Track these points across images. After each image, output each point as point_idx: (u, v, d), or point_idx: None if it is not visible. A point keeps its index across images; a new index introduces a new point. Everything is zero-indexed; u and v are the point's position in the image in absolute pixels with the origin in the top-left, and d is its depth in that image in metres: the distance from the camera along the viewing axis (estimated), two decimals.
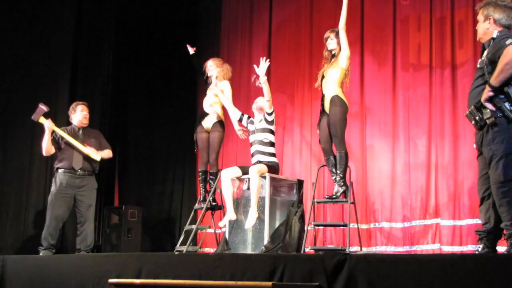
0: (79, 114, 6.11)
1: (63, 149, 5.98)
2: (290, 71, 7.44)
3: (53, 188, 5.94)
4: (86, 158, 5.98)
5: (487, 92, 3.53)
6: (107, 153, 6.22)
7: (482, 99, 3.55)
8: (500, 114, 3.51)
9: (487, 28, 3.76)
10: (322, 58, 5.42)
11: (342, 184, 5.06)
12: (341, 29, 5.07)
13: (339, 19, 5.10)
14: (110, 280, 4.35)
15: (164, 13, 8.52)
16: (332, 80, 5.14)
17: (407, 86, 6.40)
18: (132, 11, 8.43)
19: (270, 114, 5.45)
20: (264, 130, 5.48)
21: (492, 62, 3.59)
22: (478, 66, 3.76)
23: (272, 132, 5.51)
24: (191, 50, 6.14)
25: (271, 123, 5.49)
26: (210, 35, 8.57)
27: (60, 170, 5.94)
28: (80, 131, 6.11)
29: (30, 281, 5.25)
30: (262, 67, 5.37)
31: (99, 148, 6.16)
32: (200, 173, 5.92)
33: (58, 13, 7.43)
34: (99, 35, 7.95)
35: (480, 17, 3.82)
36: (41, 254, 5.79)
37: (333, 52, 5.27)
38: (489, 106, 3.53)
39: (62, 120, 6.69)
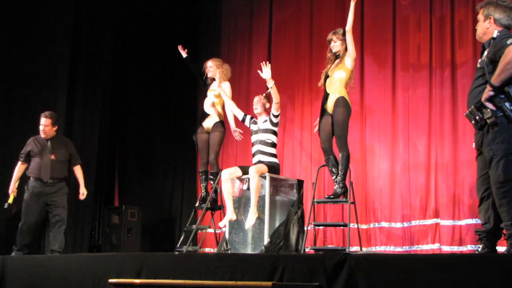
0: (40, 126, 6.12)
1: (31, 161, 6.07)
2: (290, 71, 7.43)
3: (26, 195, 6.02)
4: (54, 167, 6.04)
5: (488, 92, 3.52)
6: (81, 180, 6.28)
7: (483, 99, 3.54)
8: (501, 113, 3.50)
9: (487, 27, 3.75)
10: (322, 58, 5.40)
11: (342, 185, 5.05)
12: (348, 31, 4.99)
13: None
14: (110, 280, 4.36)
15: (164, 13, 8.52)
16: (338, 81, 5.10)
17: (407, 86, 6.40)
18: (131, 11, 8.43)
19: (276, 116, 5.45)
20: (267, 130, 5.47)
21: (493, 62, 3.58)
22: (478, 66, 3.75)
23: (275, 133, 5.50)
24: (183, 53, 6.07)
25: (275, 124, 5.49)
26: (210, 35, 8.57)
27: (31, 178, 6.04)
28: (49, 142, 6.15)
29: (30, 281, 5.24)
30: (265, 71, 5.36)
31: (68, 158, 6.22)
32: (200, 174, 5.91)
33: (57, 12, 7.42)
34: (99, 36, 7.94)
35: (480, 16, 3.81)
36: (13, 254, 5.88)
37: (337, 54, 5.22)
38: (490, 105, 3.52)
39: (60, 120, 6.66)
